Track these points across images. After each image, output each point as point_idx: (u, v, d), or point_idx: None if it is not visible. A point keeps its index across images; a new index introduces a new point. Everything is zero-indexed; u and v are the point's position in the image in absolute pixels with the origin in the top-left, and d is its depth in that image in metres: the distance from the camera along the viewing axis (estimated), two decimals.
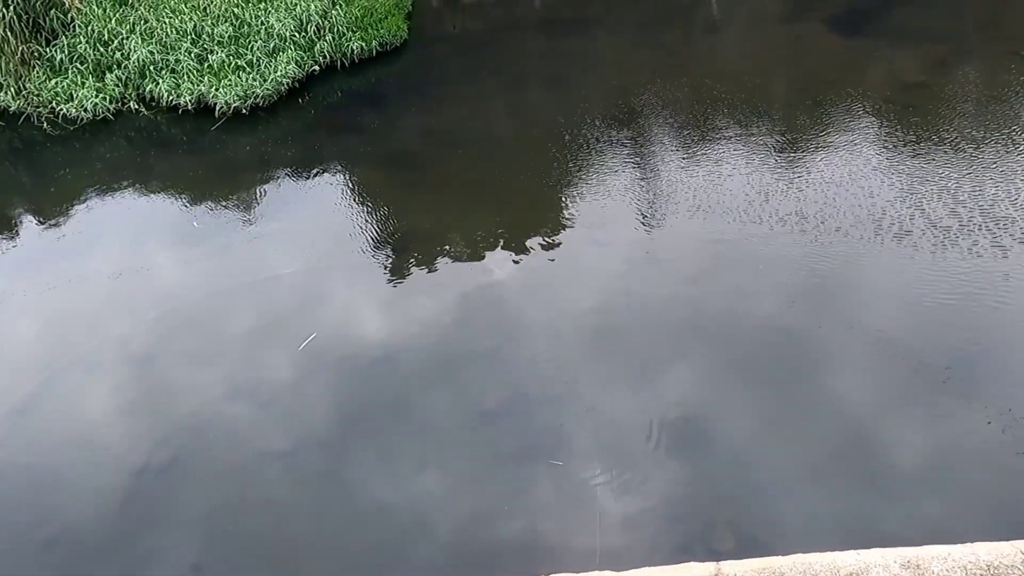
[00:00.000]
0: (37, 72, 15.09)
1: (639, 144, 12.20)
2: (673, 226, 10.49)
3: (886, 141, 11.45)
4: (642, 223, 10.61)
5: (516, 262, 10.21)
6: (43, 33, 15.59)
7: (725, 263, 9.78)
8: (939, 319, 8.72)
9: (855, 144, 11.45)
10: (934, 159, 10.92)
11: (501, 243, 10.54)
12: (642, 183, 11.36)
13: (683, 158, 11.68)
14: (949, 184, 10.42)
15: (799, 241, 9.92)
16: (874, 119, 11.95)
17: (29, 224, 12.47)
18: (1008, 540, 5.54)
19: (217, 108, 14.02)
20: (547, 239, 10.53)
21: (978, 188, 10.28)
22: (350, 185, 12.31)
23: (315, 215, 11.67)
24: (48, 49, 15.32)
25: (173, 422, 8.75)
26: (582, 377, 8.59)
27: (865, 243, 9.79)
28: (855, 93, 12.56)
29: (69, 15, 15.59)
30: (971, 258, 9.28)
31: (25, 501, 8.12)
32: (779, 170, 11.14)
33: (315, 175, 12.60)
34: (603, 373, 8.61)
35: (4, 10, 14.86)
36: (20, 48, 15.10)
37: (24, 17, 15.24)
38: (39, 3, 15.40)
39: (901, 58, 13.38)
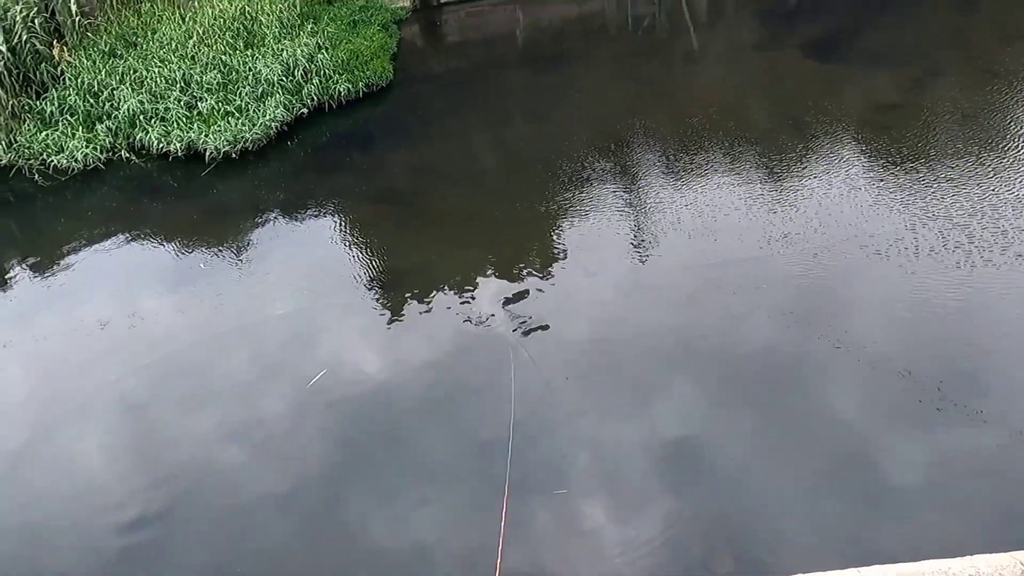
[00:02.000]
0: (28, 125, 15.26)
1: (624, 174, 12.41)
2: (662, 252, 10.63)
3: (865, 162, 11.69)
4: (631, 251, 10.75)
5: (507, 295, 10.30)
6: (33, 86, 15.80)
7: (715, 286, 9.91)
8: (929, 335, 8.85)
9: (835, 166, 11.69)
10: (913, 178, 11.15)
11: (492, 276, 10.65)
12: (629, 212, 11.53)
13: (668, 186, 11.88)
14: (930, 201, 10.63)
15: (786, 262, 10.07)
16: (852, 141, 12.21)
17: (21, 275, 12.52)
18: (1007, 552, 5.59)
19: (207, 154, 14.18)
20: (537, 271, 10.65)
21: (958, 204, 10.49)
22: (341, 224, 12.44)
23: (307, 255, 11.77)
24: (38, 102, 15.51)
25: (167, 469, 8.73)
26: (577, 406, 8.65)
27: (851, 262, 9.95)
28: (833, 116, 12.84)
29: (59, 68, 15.83)
30: (956, 273, 9.44)
31: (17, 555, 8.06)
32: (763, 193, 11.34)
33: (306, 216, 12.73)
34: (598, 401, 8.67)
35: None
36: (10, 102, 15.29)
37: (14, 71, 15.46)
38: (29, 57, 15.64)
39: (876, 81, 13.70)
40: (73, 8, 16.52)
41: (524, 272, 10.63)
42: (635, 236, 11.01)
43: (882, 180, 11.21)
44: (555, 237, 11.23)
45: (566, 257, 10.82)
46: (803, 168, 11.77)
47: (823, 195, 11.11)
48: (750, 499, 7.46)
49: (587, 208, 11.73)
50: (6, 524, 8.37)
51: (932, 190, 10.83)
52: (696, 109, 13.67)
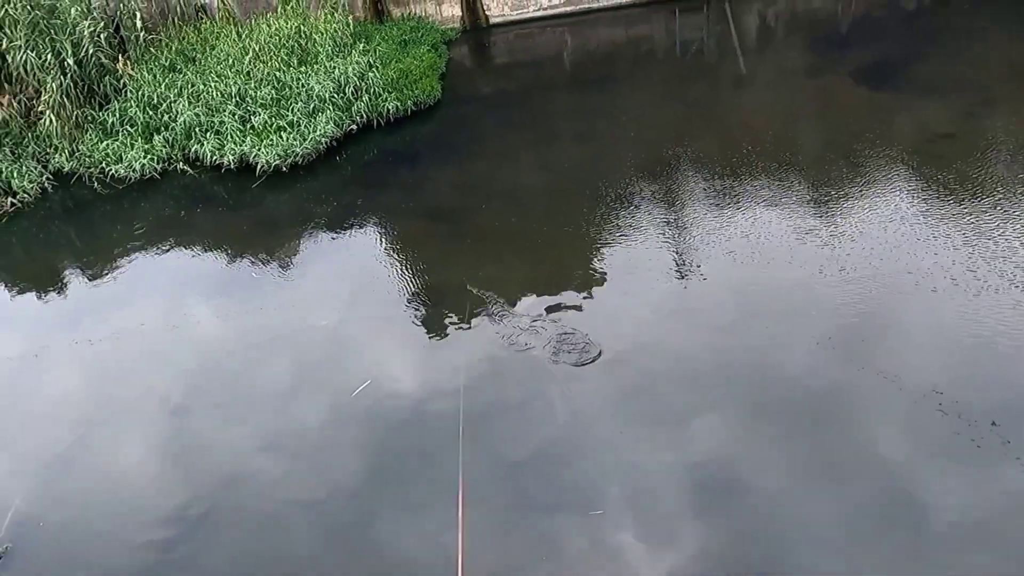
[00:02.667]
0: (90, 135, 15.85)
1: (669, 197, 12.36)
2: (704, 276, 10.55)
3: (917, 191, 11.46)
4: (672, 274, 10.69)
5: (546, 314, 10.32)
6: (97, 98, 16.43)
7: (757, 312, 9.78)
8: (982, 371, 8.58)
9: (886, 194, 11.48)
10: (967, 209, 10.89)
11: (532, 294, 10.68)
12: (672, 235, 11.48)
13: (713, 210, 11.80)
14: (984, 233, 10.36)
15: (833, 290, 9.90)
16: (904, 170, 11.99)
17: (77, 279, 12.95)
18: None
19: (259, 167, 14.55)
20: (577, 291, 10.65)
21: (1013, 238, 10.21)
22: (385, 239, 12.62)
23: (351, 268, 11.96)
24: (101, 113, 16.11)
25: (207, 474, 8.91)
26: (612, 428, 8.59)
27: (901, 293, 9.74)
28: (884, 144, 12.63)
29: (121, 81, 16.43)
30: (1013, 312, 9.17)
31: (61, 552, 8.28)
32: (810, 220, 11.19)
33: (351, 229, 12.95)
34: (634, 425, 8.60)
35: (62, 77, 15.71)
36: (75, 112, 15.92)
37: (80, 83, 16.09)
38: (94, 70, 16.27)
39: (928, 109, 13.46)
40: (138, 24, 17.16)
41: (564, 292, 10.63)
42: (677, 259, 10.95)
43: (934, 210, 10.99)
44: (597, 258, 11.23)
45: (607, 278, 10.81)
46: (852, 196, 11.59)
47: (873, 224, 10.91)
48: (785, 532, 7.32)
49: (630, 230, 11.71)
50: (50, 520, 8.60)
51: (986, 222, 10.57)
52: (744, 134, 13.59)
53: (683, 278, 10.59)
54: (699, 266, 10.73)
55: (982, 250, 10.07)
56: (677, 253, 11.07)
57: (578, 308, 10.35)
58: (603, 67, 17.64)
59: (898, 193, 11.47)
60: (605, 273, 10.89)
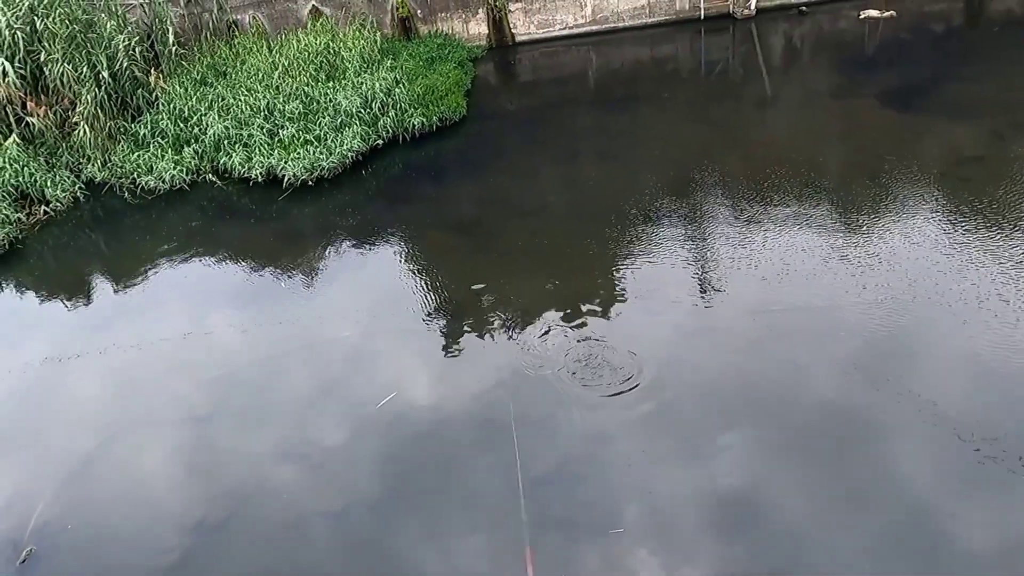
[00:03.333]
0: (122, 146, 16.18)
1: (693, 216, 12.35)
2: (727, 296, 10.51)
3: (945, 214, 11.35)
4: (695, 293, 10.65)
5: (568, 330, 10.32)
6: (129, 110, 16.78)
7: (780, 334, 9.72)
8: (1012, 399, 8.41)
9: (913, 217, 11.38)
10: (996, 232, 10.77)
11: (553, 310, 10.69)
12: (695, 254, 11.46)
13: (737, 230, 11.77)
14: (1014, 257, 10.23)
15: (858, 313, 9.81)
16: (931, 192, 11.89)
17: (105, 287, 13.17)
18: None
19: (285, 179, 14.75)
20: (599, 308, 10.64)
21: None
22: (408, 252, 12.71)
23: (374, 281, 12.05)
24: (133, 125, 16.45)
25: (228, 482, 8.99)
26: (631, 447, 8.56)
27: (928, 318, 9.63)
28: (911, 167, 12.54)
29: (154, 94, 16.78)
30: None
31: (84, 556, 8.38)
32: (835, 243, 11.12)
33: (375, 242, 13.06)
34: (652, 444, 8.56)
35: (96, 90, 16.07)
36: (108, 124, 16.26)
37: (113, 96, 16.45)
38: (128, 83, 16.63)
39: (957, 132, 13.35)
40: (171, 38, 17.54)
41: (586, 309, 10.64)
42: (700, 278, 10.91)
43: (963, 233, 10.87)
44: (619, 275, 11.23)
45: (629, 296, 10.80)
46: (879, 218, 11.50)
47: (900, 247, 10.82)
48: (806, 559, 7.22)
49: (653, 248, 11.70)
50: (73, 524, 8.71)
51: (1016, 246, 10.44)
52: (768, 154, 13.56)
53: (706, 298, 10.55)
54: (722, 286, 10.69)
55: (1012, 275, 9.93)
56: (700, 272, 11.04)
57: (600, 325, 10.34)
58: (628, 86, 17.71)
59: (926, 216, 11.36)
60: (627, 291, 10.89)
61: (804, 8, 19.41)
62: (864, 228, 11.35)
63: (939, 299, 9.81)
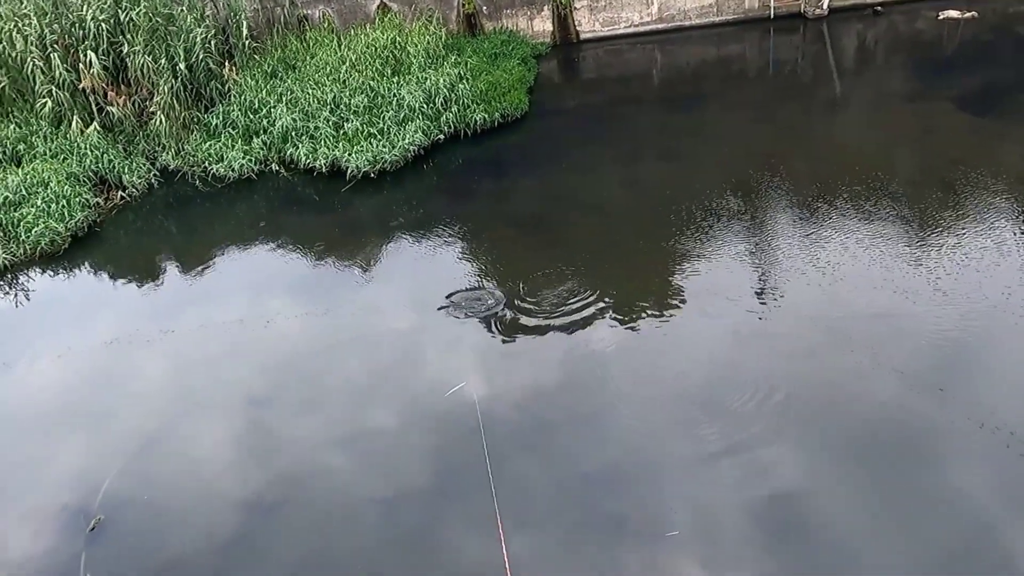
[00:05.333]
0: (195, 135, 16.75)
1: (755, 218, 12.14)
2: (787, 301, 10.31)
3: (1020, 224, 10.89)
4: (754, 297, 10.48)
5: (625, 329, 10.29)
6: (203, 101, 17.35)
7: (841, 341, 9.49)
8: None
9: (988, 226, 10.95)
10: None
11: (610, 308, 10.66)
12: (756, 256, 11.27)
13: (801, 233, 11.52)
14: None
15: (925, 323, 9.51)
16: (1008, 201, 11.42)
17: (173, 271, 13.66)
18: None
19: (348, 171, 15.05)
20: (657, 307, 10.57)
21: None
22: (467, 246, 12.83)
23: (432, 273, 12.19)
24: (206, 115, 17.01)
25: (284, 464, 9.25)
26: (683, 450, 8.49)
27: (1001, 330, 9.27)
28: (987, 174, 12.07)
29: (226, 86, 17.31)
30: None
31: (148, 526, 8.74)
32: (903, 249, 10.79)
33: (434, 236, 13.22)
34: (705, 447, 8.47)
35: (173, 81, 16.67)
36: (183, 114, 16.85)
37: (189, 87, 17.04)
38: (202, 75, 17.20)
39: None
40: (244, 32, 18.06)
41: (643, 307, 10.58)
42: (761, 282, 10.73)
43: None
44: (678, 275, 11.12)
45: (687, 297, 10.69)
46: (951, 226, 11.11)
47: (972, 256, 10.43)
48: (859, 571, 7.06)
49: (713, 249, 11.55)
50: (135, 500, 9.09)
51: None
52: (837, 158, 13.23)
53: (766, 301, 10.37)
54: (782, 291, 10.49)
55: None
56: (761, 275, 10.86)
57: (657, 326, 10.27)
58: (692, 85, 17.49)
59: (999, 224, 10.93)
60: (686, 291, 10.78)
61: (879, 8, 18.83)
62: (934, 236, 10.98)
63: (1011, 313, 9.42)
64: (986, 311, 9.52)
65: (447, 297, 11.31)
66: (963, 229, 11.00)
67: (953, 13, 18.04)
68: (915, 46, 17.50)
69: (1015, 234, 10.73)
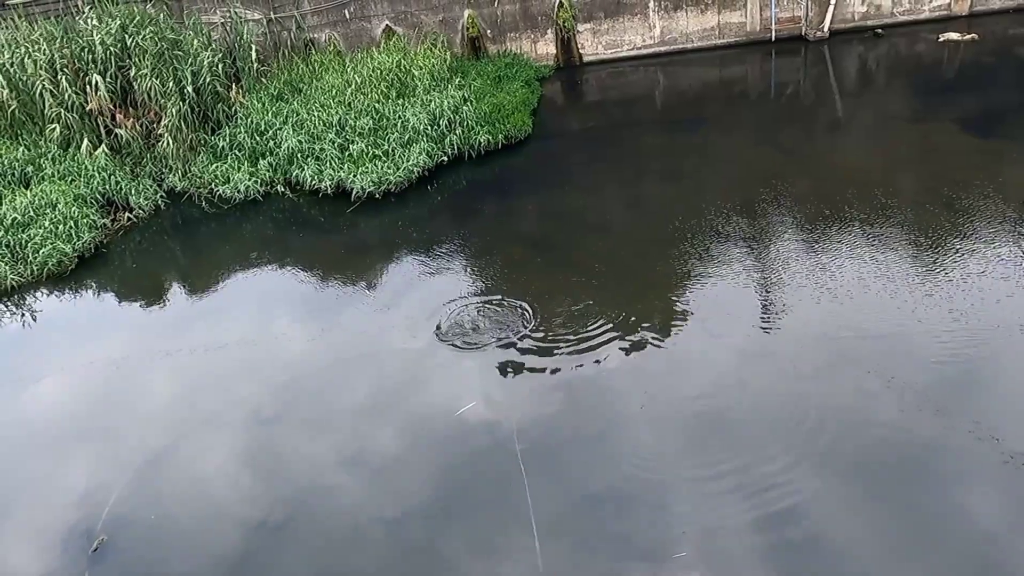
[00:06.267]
0: (201, 157, 16.90)
1: (759, 238, 12.16)
2: (792, 320, 10.30)
3: None
4: (759, 316, 10.48)
5: (628, 348, 10.27)
6: (210, 123, 17.52)
7: (847, 360, 9.46)
8: None
9: (992, 247, 10.95)
10: None
11: (613, 329, 10.65)
12: (760, 276, 11.28)
13: (805, 253, 11.54)
14: None
15: (930, 343, 9.48)
16: (1012, 222, 11.43)
17: (179, 292, 13.73)
18: None
19: (353, 193, 15.15)
20: (660, 327, 10.56)
21: None
22: (471, 266, 12.87)
23: (436, 294, 12.21)
24: (212, 137, 17.17)
25: (290, 484, 9.22)
26: (689, 470, 8.44)
27: (1007, 349, 9.25)
28: (991, 195, 12.09)
29: (233, 108, 17.49)
30: None
31: (153, 547, 8.70)
32: (908, 269, 10.79)
33: (439, 256, 13.27)
34: (709, 469, 8.42)
35: (181, 103, 16.86)
36: (189, 136, 17.01)
37: (196, 109, 17.22)
38: (209, 98, 17.39)
39: None
40: (252, 55, 18.28)
41: (647, 328, 10.57)
42: (765, 301, 10.73)
43: None
44: (682, 295, 11.13)
45: (692, 316, 10.69)
46: (955, 247, 11.12)
47: (977, 276, 10.43)
48: None
49: (717, 269, 11.57)
50: (141, 519, 9.06)
51: None
52: (839, 179, 13.27)
53: (769, 321, 10.37)
54: (786, 310, 10.48)
55: None
56: (765, 296, 10.86)
57: (662, 345, 10.26)
58: (695, 107, 17.61)
59: (1004, 246, 10.93)
60: (690, 312, 10.78)
61: (880, 31, 19.00)
62: (938, 257, 10.99)
63: (1013, 330, 9.40)
64: (991, 332, 9.49)
65: (447, 331, 11.22)
66: (967, 249, 11.01)
67: (953, 35, 18.19)
68: (916, 68, 17.63)
69: (1019, 255, 10.72)
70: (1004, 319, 9.63)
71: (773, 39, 19.31)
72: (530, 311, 11.25)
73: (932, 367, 9.18)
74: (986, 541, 7.25)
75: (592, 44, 20.08)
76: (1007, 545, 7.18)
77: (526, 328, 10.94)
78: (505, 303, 11.61)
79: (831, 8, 18.90)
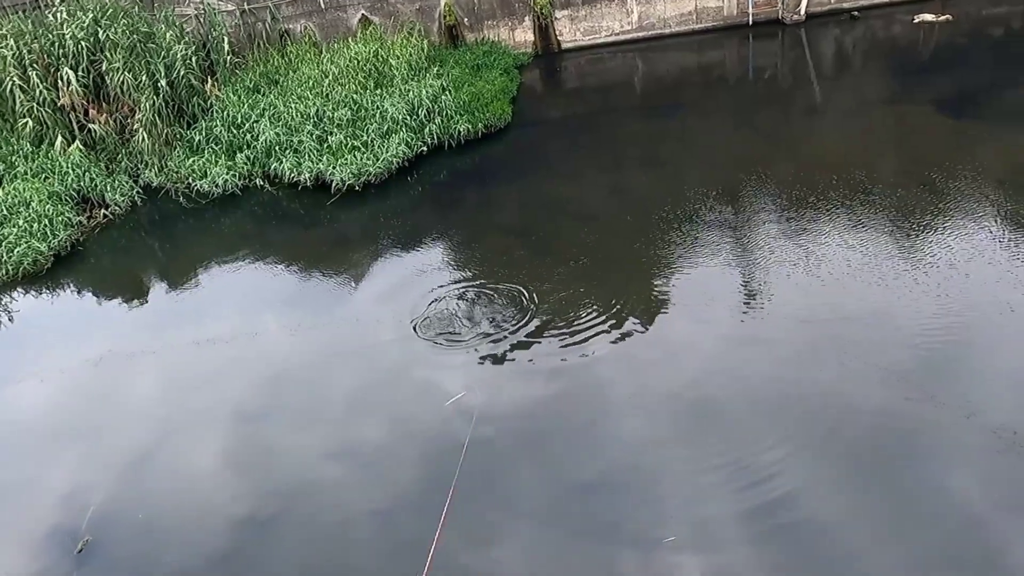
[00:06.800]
0: (177, 152, 16.68)
1: (741, 223, 12.21)
2: (777, 305, 10.36)
3: (1002, 223, 11.03)
4: (744, 301, 10.53)
5: (616, 337, 10.29)
6: (185, 117, 17.29)
7: (831, 343, 9.54)
8: None
9: (970, 225, 11.08)
10: None
11: (600, 317, 10.67)
12: (744, 262, 11.33)
13: (787, 237, 11.60)
14: None
15: (911, 323, 9.59)
16: (988, 200, 11.56)
17: (159, 288, 13.57)
18: None
19: (333, 185, 15.03)
20: (647, 315, 10.59)
21: None
22: (452, 256, 12.82)
23: (419, 285, 12.16)
24: (188, 132, 16.94)
25: (276, 480, 9.17)
26: (677, 456, 8.49)
27: (985, 328, 9.37)
28: (967, 174, 12.22)
29: (209, 102, 17.26)
30: None
31: (138, 546, 8.63)
32: (889, 251, 10.88)
33: (420, 246, 13.20)
34: (698, 454, 8.48)
35: (155, 97, 16.61)
36: (165, 131, 16.78)
37: (170, 103, 16.98)
38: (184, 91, 17.14)
39: (1015, 139, 12.96)
40: (226, 48, 18.04)
41: (632, 314, 10.60)
42: (749, 286, 10.78)
43: (1021, 243, 10.55)
44: (666, 281, 11.16)
45: (677, 303, 10.72)
46: (934, 226, 11.23)
47: (955, 256, 10.54)
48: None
49: (700, 255, 11.61)
50: (128, 516, 8.99)
51: None
52: (819, 161, 13.35)
53: (753, 306, 10.43)
54: (769, 294, 10.55)
55: None
56: (747, 280, 10.91)
57: (647, 332, 10.30)
58: (674, 93, 17.62)
59: (982, 225, 11.06)
60: (674, 298, 10.81)
61: (856, 13, 19.08)
62: (918, 237, 11.09)
63: (995, 310, 9.53)
64: (970, 310, 9.62)
65: (429, 324, 11.16)
66: (945, 230, 11.12)
67: (928, 17, 18.31)
68: (892, 50, 17.73)
69: (996, 234, 10.85)
70: (983, 298, 9.74)
71: (750, 23, 19.34)
72: (527, 295, 11.21)
73: (915, 349, 9.27)
74: (970, 520, 7.35)
75: (570, 31, 20.00)
76: (991, 523, 7.28)
77: (516, 320, 10.92)
78: (489, 293, 11.59)
79: None
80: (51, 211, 14.83)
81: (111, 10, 17.45)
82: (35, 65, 16.69)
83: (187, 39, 17.70)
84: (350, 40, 18.94)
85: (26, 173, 15.84)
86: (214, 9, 18.56)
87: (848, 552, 7.25)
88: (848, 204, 12.06)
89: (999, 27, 17.80)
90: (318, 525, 8.49)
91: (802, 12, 19.12)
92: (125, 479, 9.53)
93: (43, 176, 15.82)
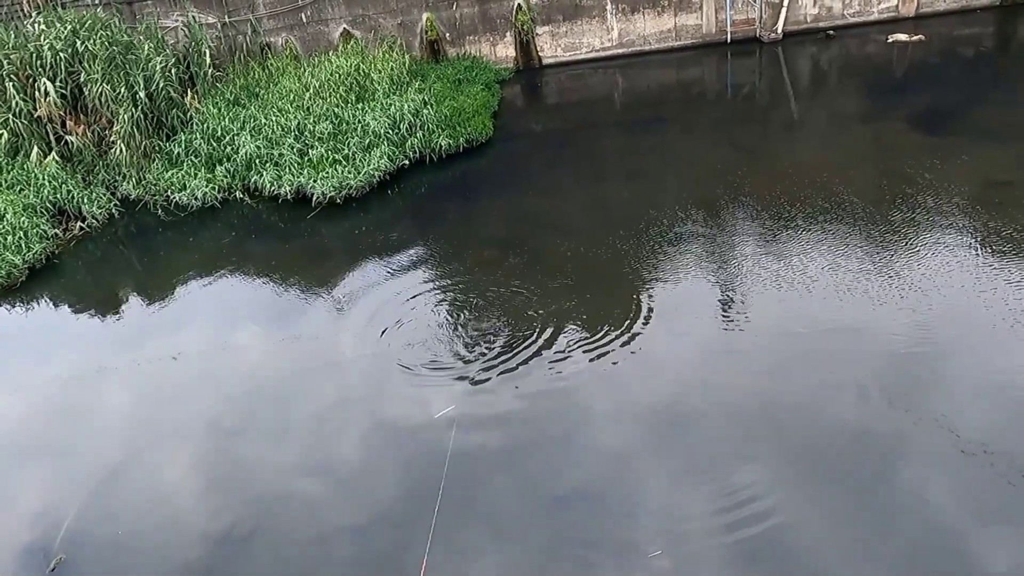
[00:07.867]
0: (156, 164, 16.57)
1: (718, 237, 12.33)
2: (753, 318, 10.46)
3: (975, 237, 11.24)
4: (721, 315, 10.62)
5: (593, 350, 10.33)
6: (164, 130, 17.19)
7: (807, 356, 9.66)
8: None
9: (943, 240, 11.27)
10: None
11: (577, 331, 10.71)
12: (721, 275, 11.44)
13: (764, 252, 11.73)
14: None
15: (886, 336, 9.72)
16: (961, 216, 11.78)
17: (136, 302, 13.43)
18: None
19: (314, 198, 14.99)
20: (624, 328, 10.64)
21: None
22: (432, 271, 12.82)
23: (399, 298, 12.14)
24: (167, 144, 16.84)
25: (253, 495, 9.08)
26: (653, 469, 8.52)
27: (960, 341, 9.52)
28: (940, 190, 12.45)
29: (188, 114, 17.18)
30: None
31: (112, 564, 8.50)
32: (863, 265, 11.04)
33: (400, 260, 13.19)
34: (674, 466, 8.52)
35: (133, 109, 16.50)
36: (143, 143, 16.66)
37: (149, 115, 16.88)
38: (163, 103, 17.05)
39: (987, 156, 13.23)
40: (207, 60, 17.98)
41: (611, 327, 10.64)
42: (726, 300, 10.88)
43: (993, 258, 10.75)
44: (645, 295, 11.23)
45: (654, 316, 10.79)
46: (908, 241, 11.41)
47: (929, 270, 10.72)
48: None
49: (678, 269, 11.70)
50: (99, 535, 8.84)
51: None
52: (795, 177, 13.53)
53: (730, 319, 10.52)
54: (747, 307, 10.65)
55: None
56: (725, 293, 11.02)
57: (626, 346, 10.34)
58: (654, 108, 17.80)
59: (955, 240, 11.25)
60: (652, 311, 10.87)
61: (831, 32, 19.42)
62: (892, 252, 11.26)
63: (969, 323, 9.69)
64: (944, 324, 9.78)
65: (408, 340, 11.08)
66: (919, 245, 11.30)
67: (902, 36, 18.68)
68: (867, 69, 18.05)
69: (969, 249, 11.05)
70: (958, 313, 9.90)
71: (728, 41, 19.62)
72: (506, 309, 11.22)
73: (890, 361, 9.39)
74: (945, 533, 7.43)
75: (551, 47, 20.17)
76: (965, 536, 7.36)
77: (495, 334, 10.93)
78: (468, 306, 11.59)
79: (784, 10, 19.27)
80: (26, 223, 14.65)
81: (90, 21, 17.35)
82: (12, 76, 16.53)
83: (167, 52, 17.62)
84: (331, 54, 18.96)
85: (1, 185, 15.65)
86: (195, 22, 18.51)
87: (824, 566, 7.29)
88: (824, 218, 12.23)
89: (969, 47, 18.20)
90: (294, 541, 8.41)
91: (779, 31, 19.43)
92: (98, 496, 9.38)
93: (18, 188, 15.64)
